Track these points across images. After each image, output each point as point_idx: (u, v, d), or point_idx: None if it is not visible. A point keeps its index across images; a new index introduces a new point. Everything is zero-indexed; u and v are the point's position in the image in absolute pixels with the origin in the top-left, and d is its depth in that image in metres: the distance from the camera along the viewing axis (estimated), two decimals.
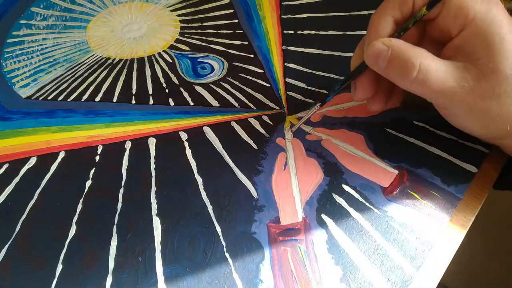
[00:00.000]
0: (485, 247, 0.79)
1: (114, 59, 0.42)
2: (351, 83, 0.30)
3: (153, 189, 0.31)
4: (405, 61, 0.25)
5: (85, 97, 0.39)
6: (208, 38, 0.44)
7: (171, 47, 0.43)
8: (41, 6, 0.49)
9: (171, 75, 0.40)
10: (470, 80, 0.25)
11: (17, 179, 0.33)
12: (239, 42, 0.43)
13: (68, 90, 0.39)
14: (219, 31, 0.44)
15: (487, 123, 0.26)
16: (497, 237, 0.77)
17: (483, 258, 0.81)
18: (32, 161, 0.34)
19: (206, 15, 0.46)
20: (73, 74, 0.41)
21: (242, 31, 0.44)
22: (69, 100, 0.39)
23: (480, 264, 0.83)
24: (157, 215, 0.30)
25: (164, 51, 0.43)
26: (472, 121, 0.27)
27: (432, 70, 0.25)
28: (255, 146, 0.33)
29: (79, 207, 0.31)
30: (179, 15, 0.47)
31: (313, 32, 0.42)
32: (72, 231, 0.29)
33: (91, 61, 0.42)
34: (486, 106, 0.25)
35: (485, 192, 0.30)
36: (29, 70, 0.42)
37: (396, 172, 0.31)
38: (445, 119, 0.29)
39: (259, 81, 0.39)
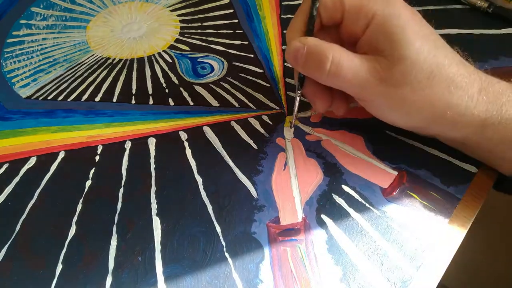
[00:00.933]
0: (485, 247, 0.79)
1: (114, 59, 0.43)
2: (308, 98, 0.31)
3: (153, 189, 0.31)
4: (319, 55, 0.26)
5: (85, 97, 0.39)
6: (208, 38, 0.44)
7: (171, 47, 0.43)
8: (41, 6, 0.49)
9: (171, 75, 0.40)
10: (380, 70, 0.26)
11: (17, 179, 0.33)
12: (239, 42, 0.43)
13: (68, 90, 0.39)
14: (219, 31, 0.44)
15: (406, 111, 0.27)
16: (497, 237, 0.77)
17: (483, 258, 0.81)
18: (32, 161, 0.34)
19: (206, 15, 0.47)
20: (73, 74, 0.41)
21: (242, 31, 0.44)
22: (69, 100, 0.39)
23: (480, 264, 0.83)
24: (157, 215, 0.30)
25: (164, 51, 0.43)
26: (392, 111, 0.28)
27: (345, 62, 0.26)
28: (255, 146, 0.33)
29: (79, 207, 0.31)
30: (179, 15, 0.47)
31: None
32: (72, 231, 0.29)
33: (91, 61, 0.42)
34: (401, 93, 0.26)
35: (485, 192, 0.30)
36: (29, 70, 0.42)
37: (396, 173, 0.31)
38: None
39: (259, 81, 0.39)
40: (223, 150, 0.33)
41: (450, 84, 0.25)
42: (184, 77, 0.40)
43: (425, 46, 0.25)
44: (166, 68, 0.41)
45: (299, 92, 0.31)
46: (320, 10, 0.28)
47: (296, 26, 0.29)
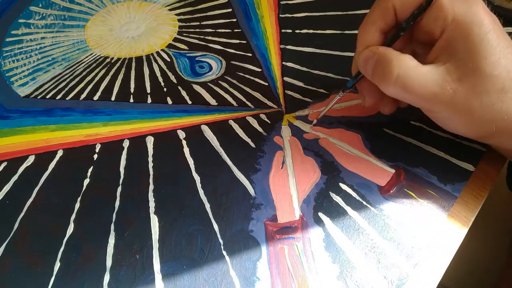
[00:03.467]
0: (485, 247, 0.79)
1: (113, 58, 0.43)
2: (359, 91, 0.31)
3: (151, 187, 0.31)
4: (386, 66, 0.26)
5: (83, 95, 0.39)
6: (206, 37, 0.44)
7: (170, 46, 0.43)
8: (40, 5, 0.49)
9: (169, 74, 0.40)
10: (451, 82, 0.25)
11: (15, 177, 0.33)
12: (237, 41, 0.43)
13: (66, 89, 0.40)
14: (217, 30, 0.44)
15: (472, 123, 0.26)
16: (498, 237, 0.77)
17: (483, 258, 0.81)
18: (31, 159, 0.34)
19: (204, 14, 0.47)
20: (71, 73, 0.41)
21: (240, 30, 0.44)
22: (67, 98, 0.39)
23: (480, 264, 0.83)
24: (155, 213, 0.30)
25: (162, 50, 0.43)
26: (457, 124, 0.27)
27: (412, 75, 0.25)
28: (252, 145, 0.33)
29: (77, 205, 0.31)
30: (177, 14, 0.47)
31: (311, 31, 0.43)
32: (70, 229, 0.30)
33: (89, 60, 0.42)
34: (469, 107, 0.25)
35: (485, 192, 0.30)
36: (28, 69, 0.42)
37: (393, 171, 0.31)
38: None
39: (257, 79, 0.39)
40: (221, 149, 0.33)
41: None
42: (182, 76, 0.40)
43: (502, 60, 0.24)
44: (164, 67, 0.41)
45: (343, 92, 0.31)
46: (397, 5, 0.27)
47: (369, 36, 0.28)
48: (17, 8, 0.49)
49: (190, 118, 0.36)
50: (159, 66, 0.41)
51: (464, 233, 0.28)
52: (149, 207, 0.30)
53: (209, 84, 0.39)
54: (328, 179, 0.31)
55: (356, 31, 0.41)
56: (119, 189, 0.31)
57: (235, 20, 0.45)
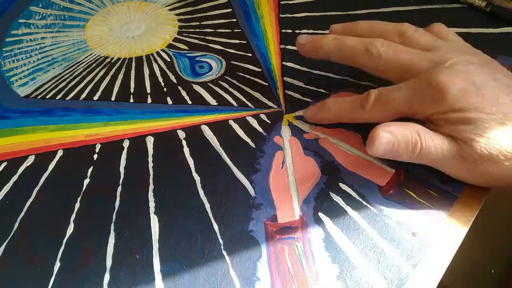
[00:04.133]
0: (485, 247, 0.79)
1: (113, 58, 0.43)
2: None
3: (151, 187, 0.31)
4: (410, 144, 0.28)
5: (83, 96, 0.39)
6: (207, 37, 0.44)
7: (170, 46, 0.43)
8: (40, 5, 0.49)
9: (169, 74, 0.40)
10: (460, 150, 0.27)
11: (15, 177, 0.33)
12: (237, 41, 0.43)
13: (66, 89, 0.40)
14: (217, 30, 0.44)
15: (487, 181, 0.28)
16: (498, 237, 0.77)
17: (483, 258, 0.81)
18: (30, 159, 0.34)
19: (204, 14, 0.47)
20: (71, 73, 0.41)
21: (240, 30, 0.44)
22: (67, 98, 0.39)
23: (480, 264, 0.83)
24: (155, 213, 0.30)
25: (162, 50, 0.43)
26: (476, 180, 0.29)
27: (432, 146, 0.27)
28: (252, 145, 0.33)
29: (77, 205, 0.31)
30: (177, 14, 0.47)
31: (311, 31, 0.43)
32: (70, 229, 0.30)
33: (89, 60, 0.42)
34: (483, 168, 0.27)
35: (486, 192, 0.29)
36: (28, 69, 0.42)
37: (393, 171, 0.31)
38: None
39: (257, 80, 0.39)
40: (221, 149, 0.33)
41: None
42: (182, 76, 0.40)
43: (497, 126, 0.26)
44: (164, 67, 0.41)
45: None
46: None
47: None
48: (17, 8, 0.49)
49: (190, 118, 0.36)
50: (159, 66, 0.41)
51: (464, 233, 0.28)
52: (149, 207, 0.30)
53: (209, 84, 0.39)
54: (328, 179, 0.31)
55: None
56: (119, 189, 0.31)
57: (235, 20, 0.45)
